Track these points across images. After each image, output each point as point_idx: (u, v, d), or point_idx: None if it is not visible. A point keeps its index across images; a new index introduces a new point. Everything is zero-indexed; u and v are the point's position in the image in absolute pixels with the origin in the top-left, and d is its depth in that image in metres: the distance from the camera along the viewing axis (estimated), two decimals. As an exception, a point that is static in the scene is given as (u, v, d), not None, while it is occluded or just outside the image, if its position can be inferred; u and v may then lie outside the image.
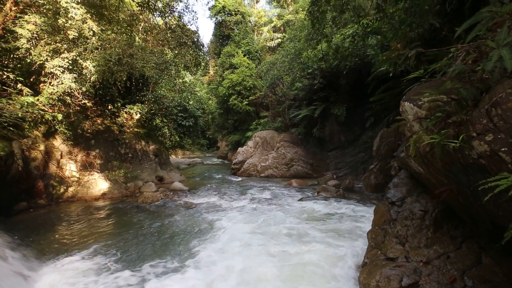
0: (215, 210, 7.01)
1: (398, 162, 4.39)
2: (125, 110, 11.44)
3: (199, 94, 19.35)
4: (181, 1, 9.92)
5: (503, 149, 1.68)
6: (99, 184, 8.94)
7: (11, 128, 6.76)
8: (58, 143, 8.70)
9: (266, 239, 4.82)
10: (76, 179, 8.66)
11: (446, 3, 4.09)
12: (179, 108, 14.71)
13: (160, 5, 9.65)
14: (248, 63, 21.01)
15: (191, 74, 14.25)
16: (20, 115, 6.64)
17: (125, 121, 11.32)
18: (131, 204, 7.89)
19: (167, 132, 14.20)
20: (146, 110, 11.96)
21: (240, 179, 12.43)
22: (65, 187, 8.29)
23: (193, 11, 19.02)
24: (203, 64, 11.38)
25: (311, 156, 12.78)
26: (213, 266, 3.91)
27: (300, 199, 7.81)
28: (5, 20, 7.05)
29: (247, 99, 19.87)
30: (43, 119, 7.50)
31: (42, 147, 7.81)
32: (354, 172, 11.48)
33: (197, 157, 26.35)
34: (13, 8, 7.12)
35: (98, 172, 9.19)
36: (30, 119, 7.20)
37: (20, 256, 4.01)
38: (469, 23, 2.36)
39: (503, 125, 1.71)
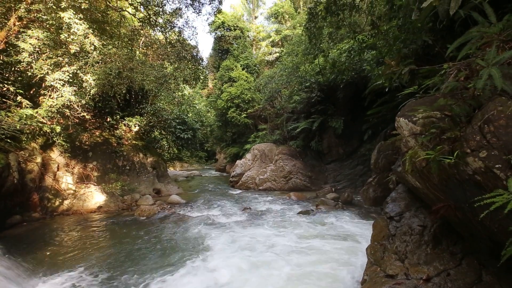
0: (212, 224, 6.90)
1: (395, 176, 4.39)
2: (124, 122, 11.48)
3: (198, 107, 19.52)
4: (181, 17, 10.17)
5: (497, 165, 1.69)
6: (95, 197, 8.83)
7: (8, 140, 6.75)
8: (55, 155, 8.66)
9: (263, 257, 4.71)
10: (72, 191, 8.56)
11: (437, 22, 4.23)
12: (177, 121, 14.79)
13: (160, 20, 9.89)
14: (246, 77, 21.35)
15: (190, 87, 14.42)
16: (18, 127, 6.64)
17: (123, 134, 11.33)
18: (127, 218, 7.76)
19: (166, 144, 14.20)
20: (144, 122, 12.01)
21: (238, 192, 12.33)
22: (60, 200, 8.18)
23: (193, 26, 19.63)
24: (202, 77, 11.53)
25: (310, 168, 12.75)
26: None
27: (299, 213, 7.72)
28: (8, 34, 7.19)
29: (245, 112, 20.05)
30: (41, 131, 7.50)
31: (38, 159, 7.77)
32: (352, 184, 11.44)
33: (195, 169, 26.23)
34: (17, 23, 7.28)
35: (94, 185, 9.10)
36: (28, 131, 7.20)
37: (12, 274, 3.89)
38: (459, 41, 2.44)
39: (496, 142, 1.73)
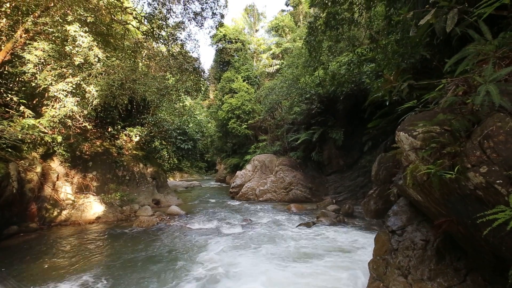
0: (211, 237, 6.81)
1: (397, 188, 4.37)
2: (125, 132, 11.52)
3: (198, 118, 19.65)
4: (184, 30, 10.41)
5: (498, 181, 1.69)
6: (94, 207, 8.75)
7: (9, 150, 6.77)
8: (55, 164, 8.66)
9: (264, 273, 4.61)
10: (70, 202, 8.49)
11: (435, 37, 4.33)
12: (178, 131, 14.85)
13: (163, 33, 10.11)
14: (247, 88, 21.61)
15: (191, 99, 14.61)
16: (20, 137, 6.67)
17: (124, 144, 11.36)
18: (126, 229, 7.66)
19: (166, 154, 14.21)
20: (145, 132, 12.06)
21: (238, 203, 12.22)
22: (58, 210, 8.10)
23: (195, 39, 20.13)
24: (203, 89, 11.67)
25: (310, 180, 12.69)
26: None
27: (300, 225, 7.63)
28: (15, 46, 7.34)
29: (246, 123, 20.17)
30: (43, 141, 7.53)
31: (38, 169, 7.75)
32: (353, 196, 11.35)
33: (195, 180, 26.12)
34: (23, 35, 7.44)
35: (94, 195, 9.04)
36: (29, 141, 7.23)
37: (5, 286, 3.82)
38: (456, 57, 2.49)
39: (496, 157, 1.74)
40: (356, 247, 5.66)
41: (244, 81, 22.36)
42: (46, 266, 4.98)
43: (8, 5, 7.07)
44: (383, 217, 4.45)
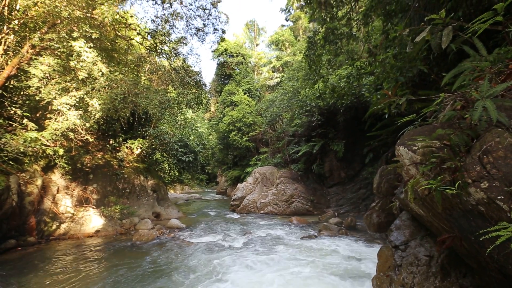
0: (212, 251, 6.69)
1: (399, 202, 4.32)
2: (126, 145, 11.57)
3: (200, 130, 19.76)
4: (186, 45, 10.66)
5: (499, 197, 1.68)
6: (93, 220, 8.66)
7: (11, 163, 6.79)
8: (56, 177, 8.65)
9: (266, 285, 4.52)
10: (70, 215, 8.42)
11: (431, 52, 4.41)
12: (179, 144, 14.90)
13: (166, 48, 10.35)
14: (248, 101, 21.84)
15: (192, 111, 14.77)
16: (22, 150, 6.71)
17: (125, 156, 11.38)
18: (125, 243, 7.54)
19: (167, 167, 14.19)
20: (147, 145, 12.10)
21: (239, 216, 12.07)
22: (57, 224, 8.03)
23: (196, 54, 20.51)
24: (204, 102, 11.82)
25: (311, 192, 12.58)
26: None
27: (302, 238, 7.50)
28: (21, 61, 7.52)
29: (247, 135, 20.25)
30: (44, 154, 7.56)
31: (39, 182, 7.75)
32: (355, 209, 11.21)
33: (196, 192, 25.96)
34: (30, 51, 7.63)
35: (93, 208, 8.97)
36: (31, 154, 7.26)
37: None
38: (453, 73, 2.54)
39: (496, 173, 1.73)
40: (359, 261, 5.53)
41: (245, 94, 22.64)
42: (43, 283, 4.87)
43: (16, 22, 7.31)
44: (386, 230, 4.39)
